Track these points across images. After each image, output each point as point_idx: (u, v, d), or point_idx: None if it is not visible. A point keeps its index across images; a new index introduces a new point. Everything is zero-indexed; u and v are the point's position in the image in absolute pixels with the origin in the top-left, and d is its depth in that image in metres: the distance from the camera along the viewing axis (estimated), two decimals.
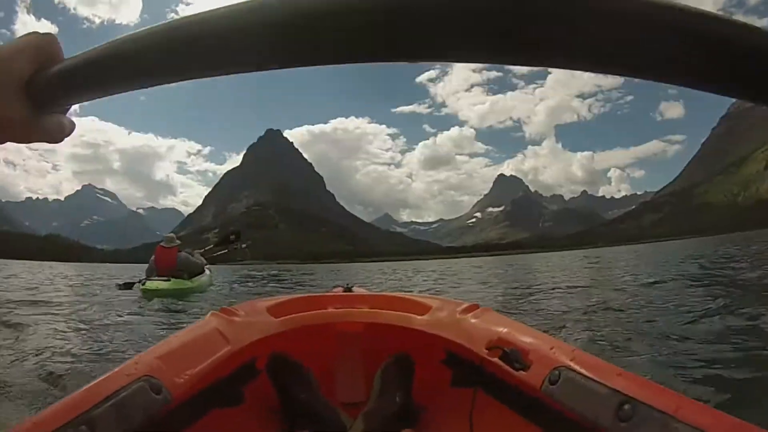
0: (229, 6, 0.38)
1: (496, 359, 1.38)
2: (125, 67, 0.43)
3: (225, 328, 1.56)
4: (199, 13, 0.39)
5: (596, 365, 1.15)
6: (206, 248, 13.39)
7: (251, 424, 1.52)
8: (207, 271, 12.28)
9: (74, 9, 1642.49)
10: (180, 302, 8.75)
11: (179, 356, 1.30)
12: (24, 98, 0.49)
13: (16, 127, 0.50)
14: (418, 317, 1.77)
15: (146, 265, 11.58)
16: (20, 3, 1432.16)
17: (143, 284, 10.42)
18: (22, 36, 0.51)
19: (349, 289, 2.51)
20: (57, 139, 0.54)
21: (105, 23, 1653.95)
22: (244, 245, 14.10)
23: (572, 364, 1.17)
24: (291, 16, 0.35)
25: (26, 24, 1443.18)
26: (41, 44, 0.50)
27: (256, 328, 1.64)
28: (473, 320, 1.64)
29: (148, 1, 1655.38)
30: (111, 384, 1.07)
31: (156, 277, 10.71)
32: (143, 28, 0.42)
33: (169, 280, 10.54)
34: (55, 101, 0.51)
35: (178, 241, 11.41)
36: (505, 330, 1.47)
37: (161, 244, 11.32)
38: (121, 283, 11.36)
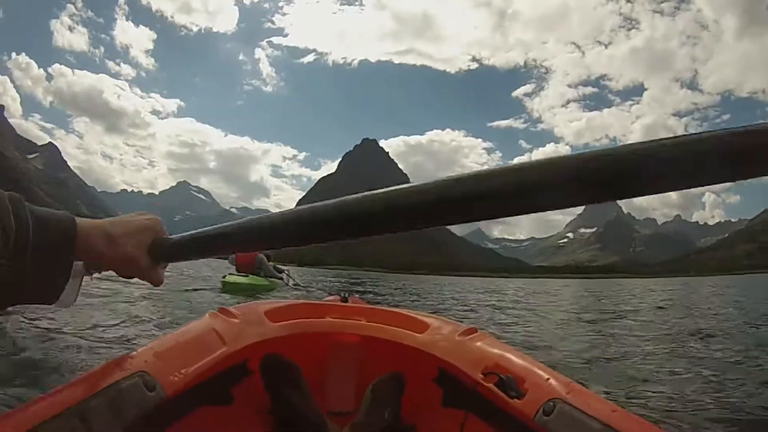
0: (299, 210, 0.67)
1: (490, 385, 1.40)
2: (215, 248, 0.90)
3: (222, 328, 1.61)
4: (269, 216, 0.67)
5: (592, 400, 1.16)
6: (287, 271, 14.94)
7: (240, 424, 1.56)
8: (283, 278, 13.99)
9: (172, 17, 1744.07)
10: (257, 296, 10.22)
11: (175, 354, 1.35)
12: (147, 256, 0.91)
13: (142, 271, 0.92)
14: (416, 335, 1.81)
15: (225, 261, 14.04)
16: (119, 11, 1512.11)
17: (224, 277, 11.60)
18: (141, 216, 0.94)
19: (345, 299, 2.58)
20: (159, 281, 0.96)
21: (202, 31, 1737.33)
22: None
23: (568, 397, 1.18)
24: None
25: (125, 30, 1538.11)
26: (156, 224, 0.93)
27: (253, 331, 1.69)
28: (471, 343, 1.66)
29: (244, 9, 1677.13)
30: (106, 377, 1.11)
31: (235, 273, 12.12)
32: (234, 223, 0.78)
33: (247, 276, 11.85)
34: (166, 259, 0.94)
35: None
36: (503, 356, 1.49)
37: None
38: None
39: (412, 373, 1.72)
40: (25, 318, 4.80)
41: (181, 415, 1.35)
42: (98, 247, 0.85)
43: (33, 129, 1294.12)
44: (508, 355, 1.50)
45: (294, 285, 14.28)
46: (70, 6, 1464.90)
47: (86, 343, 4.14)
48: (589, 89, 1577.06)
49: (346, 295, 2.73)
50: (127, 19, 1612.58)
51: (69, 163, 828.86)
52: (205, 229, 0.89)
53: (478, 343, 1.65)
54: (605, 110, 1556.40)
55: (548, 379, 1.30)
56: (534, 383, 1.31)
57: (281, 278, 13.93)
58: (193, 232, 0.89)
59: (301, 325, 1.85)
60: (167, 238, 0.93)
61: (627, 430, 1.00)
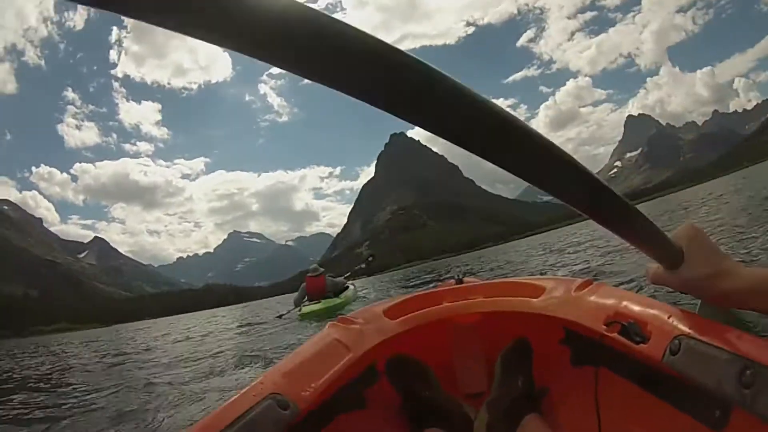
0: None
1: (615, 334, 1.39)
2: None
3: (344, 336, 1.63)
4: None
5: (716, 330, 1.12)
6: (347, 274, 15.25)
7: (376, 426, 1.58)
8: (351, 287, 14.29)
9: (169, 83, 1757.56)
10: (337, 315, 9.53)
11: (302, 370, 1.37)
12: None
13: None
14: (533, 300, 1.80)
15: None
16: (117, 95, 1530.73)
17: (300, 310, 12.00)
18: None
19: (460, 281, 2.57)
20: None
21: (203, 86, 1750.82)
22: (371, 258, 16.57)
23: (692, 332, 1.15)
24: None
25: (129, 111, 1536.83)
26: None
27: (375, 333, 1.71)
28: (589, 297, 1.65)
29: (235, 53, 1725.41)
30: (239, 406, 1.14)
31: (308, 302, 12.49)
32: None
33: (319, 302, 12.12)
34: None
35: (322, 269, 13.38)
36: (622, 303, 1.47)
37: (308, 274, 13.24)
38: (278, 315, 13.32)
39: (537, 338, 1.73)
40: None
41: (319, 427, 1.39)
42: None
43: (75, 230, 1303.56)
44: (626, 301, 1.48)
45: (360, 268, 15.33)
46: (70, 107, 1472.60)
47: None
48: (588, 14, 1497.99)
49: (461, 276, 2.71)
50: (127, 100, 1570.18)
51: (120, 250, 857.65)
52: None
53: (595, 296, 1.64)
54: (611, 30, 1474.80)
55: (670, 317, 1.27)
56: (656, 325, 1.29)
57: (348, 284, 14.32)
58: None
59: (419, 316, 1.84)
60: None
61: (755, 356, 0.97)
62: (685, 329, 1.18)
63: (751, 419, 0.94)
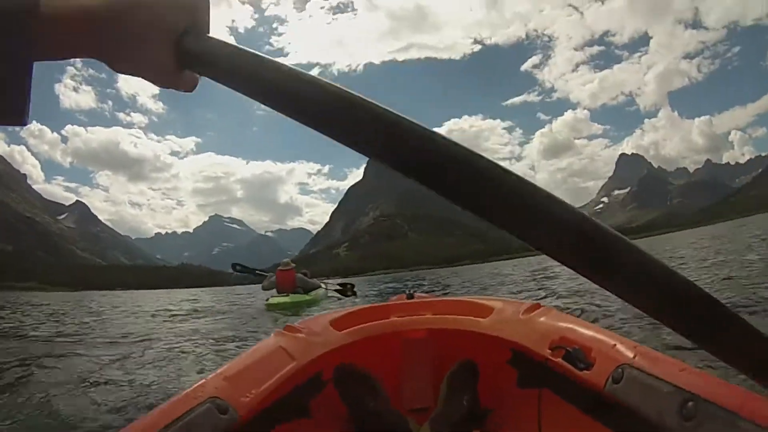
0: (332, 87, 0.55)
1: (559, 359, 1.40)
2: (259, 82, 0.56)
3: (289, 345, 1.61)
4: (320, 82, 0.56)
5: (659, 361, 1.16)
6: (324, 279, 16.22)
7: None
8: (322, 288, 14.78)
9: None
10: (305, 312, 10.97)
11: (244, 376, 1.35)
12: (172, 52, 0.57)
13: (159, 72, 0.59)
14: (482, 320, 1.81)
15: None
16: None
17: (267, 300, 12.68)
18: None
19: (411, 296, 2.55)
20: (186, 89, 0.64)
21: None
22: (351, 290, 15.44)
23: (635, 362, 1.18)
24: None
25: (128, 81, 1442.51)
26: (197, 3, 0.58)
27: (321, 343, 1.69)
28: (536, 320, 1.67)
29: (240, 38, 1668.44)
30: (178, 407, 1.11)
31: (277, 294, 13.01)
32: (295, 68, 0.56)
33: (288, 296, 12.67)
34: (197, 67, 0.60)
35: (293, 264, 13.88)
36: (568, 328, 1.50)
37: (279, 268, 13.68)
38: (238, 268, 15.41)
39: (484, 359, 1.73)
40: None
41: None
42: (83, 38, 0.53)
43: (58, 191, 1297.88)
44: (573, 326, 1.50)
45: (334, 290, 14.98)
46: (70, 68, 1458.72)
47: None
48: (596, 48, 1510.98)
49: (411, 292, 2.70)
50: None
51: (99, 217, 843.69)
52: (253, 52, 0.58)
53: (543, 319, 1.66)
54: (615, 66, 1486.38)
55: (614, 345, 1.30)
56: (601, 351, 1.31)
57: (321, 285, 14.75)
58: (236, 45, 0.58)
59: (367, 329, 1.84)
60: (204, 36, 0.59)
61: (697, 389, 0.99)
62: (629, 358, 1.20)
63: None
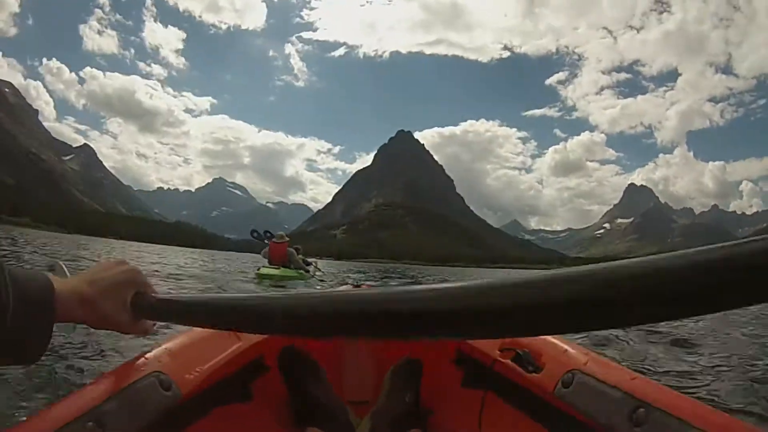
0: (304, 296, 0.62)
1: (507, 361, 1.40)
2: (193, 316, 0.93)
3: None
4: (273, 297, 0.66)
5: (610, 369, 1.16)
6: (316, 263, 16.16)
7: (259, 420, 1.55)
8: (313, 266, 15.28)
9: (200, 16, 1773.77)
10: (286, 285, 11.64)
11: (190, 353, 1.33)
12: (128, 311, 0.96)
13: (122, 325, 0.97)
14: None
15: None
16: (147, 13, 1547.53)
17: (258, 269, 13.14)
18: (119, 267, 0.97)
19: (358, 287, 2.45)
20: (144, 334, 1.04)
21: (231, 29, 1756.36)
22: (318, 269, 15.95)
23: (586, 367, 1.18)
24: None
25: (154, 31, 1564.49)
26: (136, 276, 0.97)
27: None
28: None
29: (272, 6, 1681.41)
30: (121, 379, 1.10)
31: (268, 265, 13.46)
32: (225, 297, 0.70)
33: (278, 268, 13.05)
34: (146, 317, 0.98)
35: (287, 238, 14.21)
36: None
37: (273, 239, 14.08)
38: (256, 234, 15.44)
39: (430, 357, 1.72)
40: None
41: (199, 413, 1.34)
42: (76, 312, 0.88)
43: (68, 131, 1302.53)
44: None
45: (320, 278, 14.94)
46: (97, 10, 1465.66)
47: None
48: (623, 75, 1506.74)
49: (359, 284, 2.64)
50: (155, 21, 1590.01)
51: (105, 164, 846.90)
52: (197, 296, 0.92)
53: None
54: (639, 97, 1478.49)
55: (566, 350, 1.29)
56: (551, 356, 1.30)
57: (308, 270, 14.84)
58: (182, 295, 0.88)
59: None
60: (150, 296, 0.96)
61: (648, 397, 1.00)
62: (580, 364, 1.20)
63: None
